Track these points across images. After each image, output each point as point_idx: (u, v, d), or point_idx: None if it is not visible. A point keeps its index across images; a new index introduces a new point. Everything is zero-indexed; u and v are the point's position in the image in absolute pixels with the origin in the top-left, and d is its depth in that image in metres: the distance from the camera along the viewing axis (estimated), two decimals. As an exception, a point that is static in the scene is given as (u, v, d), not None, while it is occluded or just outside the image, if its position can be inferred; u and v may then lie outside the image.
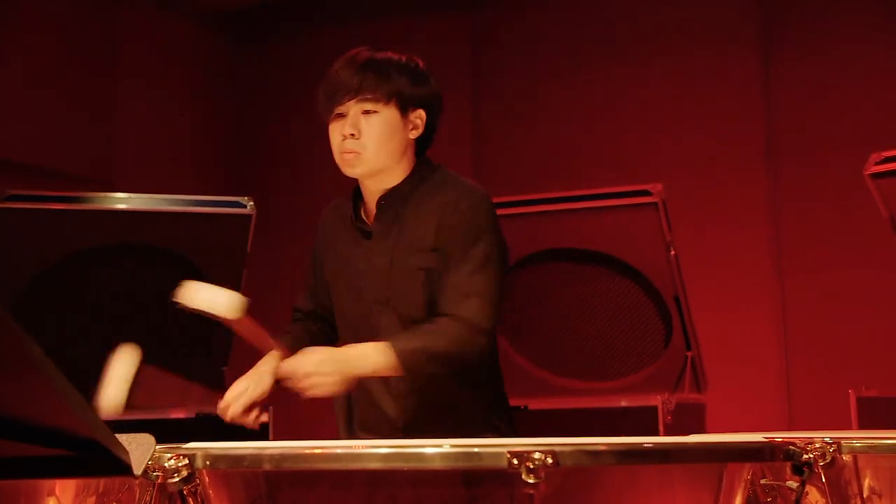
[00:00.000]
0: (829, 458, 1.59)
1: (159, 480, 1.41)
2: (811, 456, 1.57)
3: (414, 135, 2.29)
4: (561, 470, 1.35)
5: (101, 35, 5.23)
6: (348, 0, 5.81)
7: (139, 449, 1.23)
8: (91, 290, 3.55)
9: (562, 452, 1.35)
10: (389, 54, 2.29)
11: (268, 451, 1.43)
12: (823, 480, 1.62)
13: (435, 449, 1.41)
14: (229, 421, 2.22)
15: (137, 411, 2.02)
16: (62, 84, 5.00)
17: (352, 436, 2.33)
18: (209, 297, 2.14)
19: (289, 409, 4.20)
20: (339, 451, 1.42)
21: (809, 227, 4.91)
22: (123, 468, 1.10)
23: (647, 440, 1.48)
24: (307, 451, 1.43)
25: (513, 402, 4.14)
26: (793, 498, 1.60)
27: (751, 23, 5.07)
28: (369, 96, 2.23)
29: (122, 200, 3.56)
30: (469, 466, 1.39)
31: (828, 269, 4.84)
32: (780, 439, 1.57)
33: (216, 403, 2.23)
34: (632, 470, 1.44)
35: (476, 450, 1.40)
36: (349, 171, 2.29)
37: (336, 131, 2.28)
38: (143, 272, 3.60)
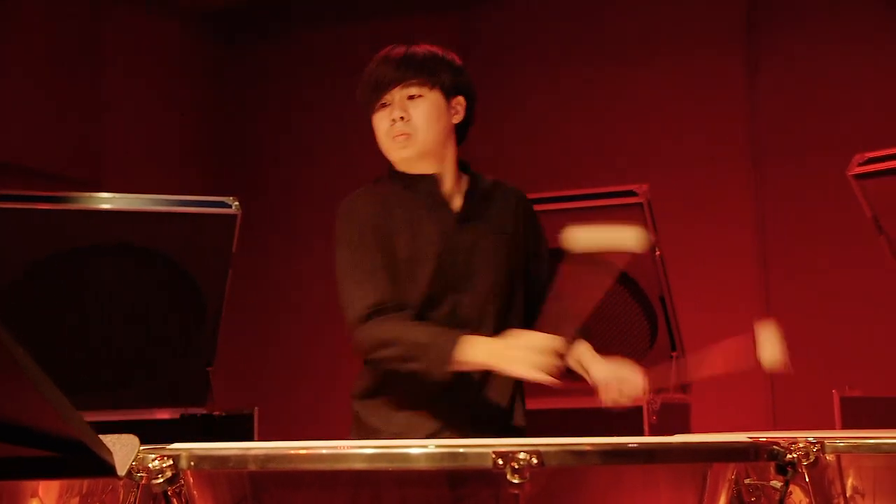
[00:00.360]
0: (812, 458, 1.60)
1: (143, 481, 1.41)
2: (795, 456, 1.57)
3: (456, 120, 2.34)
4: (546, 470, 1.35)
5: (86, 35, 5.21)
6: (334, 0, 5.81)
7: (123, 450, 1.23)
8: (76, 290, 3.53)
9: (547, 452, 1.35)
10: (427, 47, 2.34)
11: (252, 452, 1.42)
12: (807, 480, 1.63)
13: (420, 449, 1.41)
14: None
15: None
16: (48, 84, 4.98)
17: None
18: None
19: (272, 409, 4.20)
20: (324, 451, 1.42)
21: (794, 228, 4.93)
22: (107, 469, 1.09)
23: (632, 440, 1.48)
24: (292, 452, 1.42)
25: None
26: (776, 497, 1.60)
27: (737, 26, 5.09)
28: (414, 81, 2.27)
29: (107, 200, 3.55)
30: (454, 467, 1.39)
31: (812, 270, 4.86)
32: (764, 439, 1.58)
33: None
34: (616, 470, 1.44)
35: (461, 450, 1.40)
36: (400, 154, 2.29)
37: (383, 119, 2.30)
38: (129, 272, 3.59)
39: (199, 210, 3.60)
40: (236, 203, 3.62)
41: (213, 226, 3.61)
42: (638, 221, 3.85)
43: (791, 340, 5.46)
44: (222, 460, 1.43)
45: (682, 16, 5.17)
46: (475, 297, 2.27)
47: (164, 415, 3.61)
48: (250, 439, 3.51)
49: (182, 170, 5.62)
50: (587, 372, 2.39)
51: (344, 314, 2.26)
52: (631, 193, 3.84)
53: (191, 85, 5.76)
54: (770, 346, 2.12)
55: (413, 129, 2.27)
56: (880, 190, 3.51)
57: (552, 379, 2.12)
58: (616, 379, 2.35)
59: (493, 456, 1.34)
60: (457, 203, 2.32)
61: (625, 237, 2.13)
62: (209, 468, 1.44)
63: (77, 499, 1.43)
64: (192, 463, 1.42)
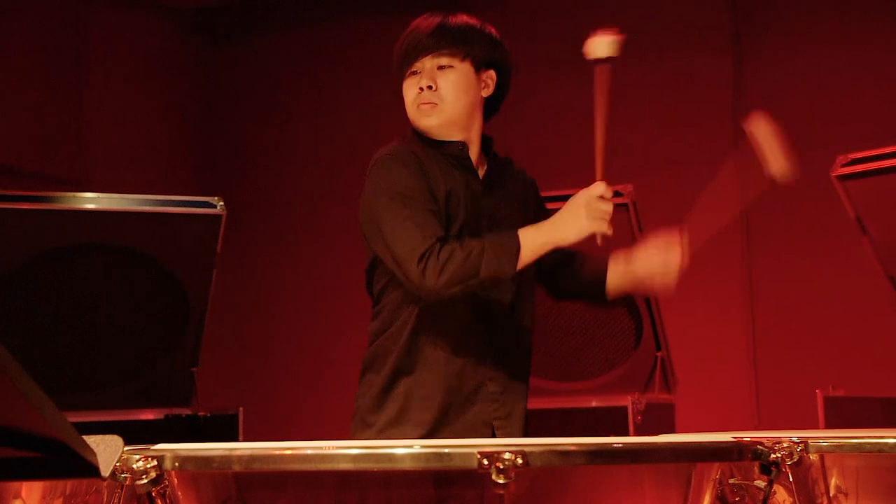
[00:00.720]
0: (796, 458, 1.61)
1: (127, 482, 1.40)
2: (779, 455, 1.58)
3: (485, 93, 2.36)
4: (531, 470, 1.35)
5: (70, 33, 5.19)
6: None
7: (107, 450, 1.22)
8: (60, 291, 3.52)
9: (532, 453, 1.35)
10: (465, 17, 2.36)
11: (237, 452, 1.42)
12: (791, 480, 1.63)
13: (405, 450, 1.41)
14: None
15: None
16: (31, 82, 4.96)
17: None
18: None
19: (257, 410, 4.19)
20: (309, 451, 1.42)
21: (778, 228, 4.95)
22: (91, 470, 1.09)
23: (617, 440, 1.49)
24: (277, 452, 1.42)
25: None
26: (761, 497, 1.61)
27: (722, 26, 5.10)
28: (445, 51, 2.29)
29: (91, 200, 3.54)
30: (439, 467, 1.39)
31: (796, 270, 4.88)
32: (749, 439, 1.59)
33: None
34: (601, 470, 1.45)
35: (446, 450, 1.40)
36: (424, 122, 2.30)
37: (412, 86, 2.31)
38: (113, 273, 3.58)
39: (183, 210, 3.59)
40: (221, 203, 3.61)
41: (198, 226, 3.60)
42: (623, 222, 3.86)
43: (775, 341, 5.50)
44: (207, 461, 1.43)
45: (668, 16, 5.18)
46: None
47: (148, 415, 3.60)
48: (235, 440, 3.50)
49: (167, 169, 5.61)
50: (632, 265, 2.49)
51: (400, 259, 2.17)
52: (616, 194, 3.85)
53: (175, 84, 5.74)
54: (772, 151, 2.18)
55: (440, 99, 2.28)
56: (863, 191, 3.53)
57: (608, 230, 2.28)
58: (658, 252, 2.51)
59: (478, 456, 1.34)
60: (482, 171, 2.37)
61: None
62: (193, 469, 1.44)
63: (60, 500, 1.43)
64: (177, 463, 1.42)
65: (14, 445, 1.03)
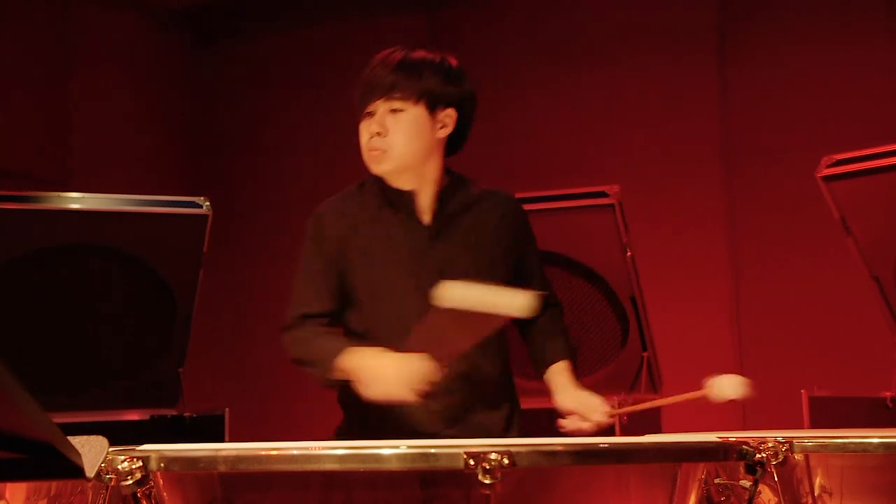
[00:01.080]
0: (781, 458, 1.61)
1: (112, 483, 1.40)
2: (764, 455, 1.59)
3: (442, 134, 2.31)
4: (517, 470, 1.35)
5: (55, 33, 5.17)
6: (303, 1, 5.79)
7: (92, 451, 1.22)
8: (45, 291, 3.50)
9: (518, 453, 1.35)
10: (423, 53, 2.32)
11: (223, 453, 1.42)
12: (776, 479, 1.64)
13: (391, 450, 1.41)
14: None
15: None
16: (15, 81, 4.94)
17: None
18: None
19: (243, 410, 4.18)
20: (295, 452, 1.42)
21: (764, 229, 4.97)
22: (75, 471, 1.08)
23: (603, 440, 1.49)
24: (263, 453, 1.42)
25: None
26: (746, 497, 1.62)
27: (708, 27, 5.12)
28: (398, 95, 2.26)
29: (76, 200, 3.52)
30: (425, 467, 1.39)
31: (781, 270, 4.90)
32: (734, 439, 1.59)
33: None
34: (587, 470, 1.45)
35: (432, 451, 1.40)
36: (375, 169, 2.29)
37: (365, 130, 2.30)
38: (99, 273, 3.56)
39: (169, 210, 3.58)
40: (207, 203, 3.60)
41: (184, 226, 3.59)
42: (609, 222, 3.87)
43: (761, 341, 5.51)
44: (192, 461, 1.43)
45: (654, 16, 5.19)
46: None
47: (134, 416, 3.58)
48: (221, 440, 3.49)
49: (152, 170, 5.59)
50: (554, 396, 2.46)
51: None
52: (602, 195, 3.86)
53: (161, 84, 5.73)
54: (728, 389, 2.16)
55: (388, 146, 2.25)
56: (848, 192, 3.54)
57: (411, 399, 2.12)
58: (581, 406, 2.38)
59: (465, 456, 1.34)
60: (430, 217, 2.31)
61: (509, 301, 1.96)
62: (179, 469, 1.44)
63: (45, 500, 1.42)
64: (162, 464, 1.42)
65: (-2, 446, 1.02)
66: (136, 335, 3.64)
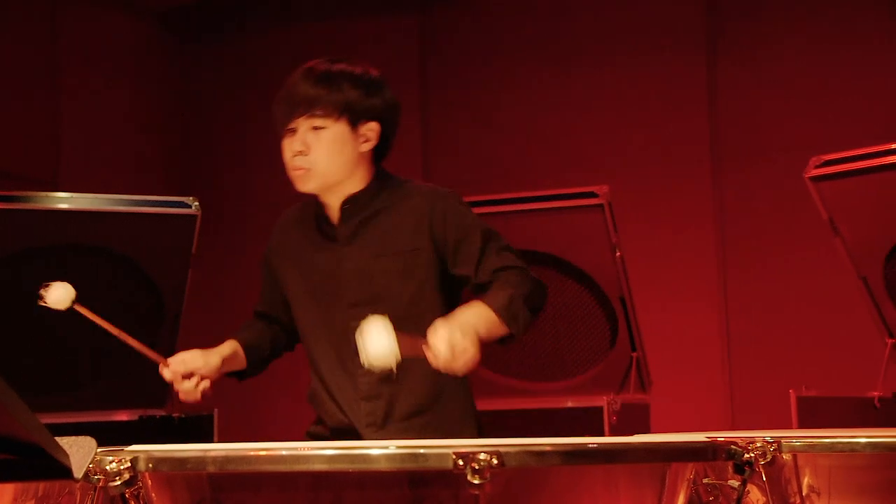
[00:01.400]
0: (769, 457, 1.62)
1: (101, 484, 1.40)
2: (752, 455, 1.59)
3: (366, 147, 2.29)
4: (506, 470, 1.35)
5: (43, 32, 5.16)
6: (292, 0, 5.79)
7: (80, 452, 1.21)
8: (33, 292, 3.49)
9: (507, 453, 1.36)
10: (344, 66, 2.30)
11: (212, 454, 1.42)
12: (764, 479, 1.64)
13: (380, 450, 1.41)
14: (169, 380, 2.32)
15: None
16: (4, 82, 4.92)
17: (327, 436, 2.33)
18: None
19: (232, 411, 4.17)
20: (283, 452, 1.42)
21: (752, 229, 4.98)
22: (63, 471, 1.08)
23: (592, 441, 1.49)
24: (251, 453, 1.42)
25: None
26: (734, 496, 1.62)
27: (697, 27, 5.13)
28: (318, 113, 2.25)
29: (64, 200, 3.51)
30: (415, 468, 1.39)
31: (770, 270, 4.92)
32: (722, 439, 1.59)
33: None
34: (577, 470, 1.45)
35: (422, 451, 1.40)
36: (300, 187, 2.31)
37: (287, 148, 2.29)
38: (87, 273, 3.54)
39: (158, 210, 3.57)
40: (196, 203, 3.60)
41: (173, 226, 3.58)
42: (598, 222, 3.87)
43: (749, 341, 5.53)
44: (181, 462, 1.42)
45: (643, 16, 5.20)
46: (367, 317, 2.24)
47: (122, 416, 3.57)
48: (210, 441, 3.48)
49: (141, 169, 5.58)
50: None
51: None
52: (591, 195, 3.86)
53: (150, 84, 5.71)
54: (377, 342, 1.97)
55: (311, 164, 2.26)
56: (836, 192, 3.55)
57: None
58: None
59: (454, 457, 1.34)
60: (343, 230, 2.31)
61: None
62: (168, 470, 1.43)
63: (33, 502, 1.42)
64: (151, 465, 1.41)
65: (-15, 447, 1.02)
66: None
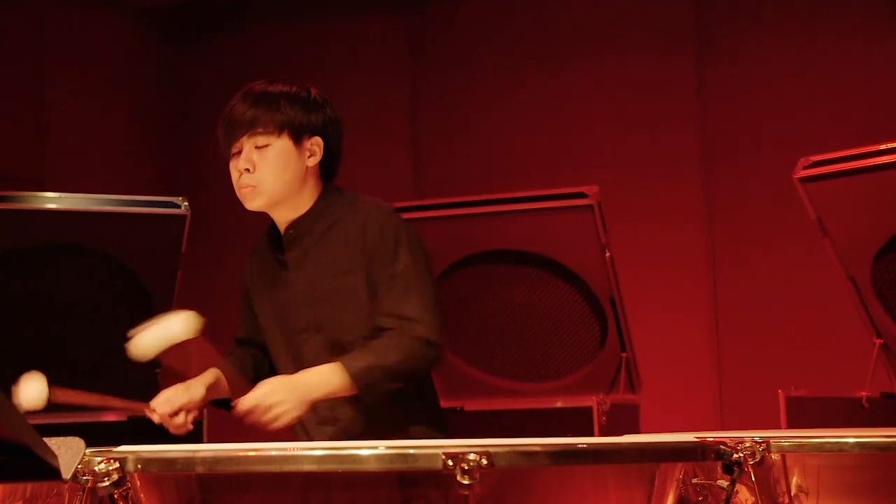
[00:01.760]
0: (758, 457, 1.62)
1: (89, 484, 1.39)
2: (741, 455, 1.59)
3: (312, 162, 2.32)
4: (495, 471, 1.36)
5: (29, 31, 5.14)
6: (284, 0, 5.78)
7: (68, 453, 1.21)
8: (21, 292, 3.48)
9: (496, 453, 1.36)
10: (281, 86, 2.32)
11: (201, 454, 1.41)
12: (753, 479, 1.65)
13: (370, 451, 1.41)
14: (158, 423, 2.28)
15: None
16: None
17: None
18: (161, 331, 2.16)
19: (221, 412, 4.16)
20: (273, 453, 1.41)
21: (741, 230, 4.99)
22: (52, 472, 1.08)
23: (581, 441, 1.49)
24: (241, 454, 1.41)
25: (449, 404, 4.17)
26: (723, 496, 1.62)
27: (686, 29, 5.14)
28: (260, 130, 2.28)
29: (52, 200, 3.50)
30: (404, 468, 1.39)
31: (759, 271, 4.93)
32: (712, 439, 1.60)
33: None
34: (566, 470, 1.45)
35: (411, 451, 1.40)
36: (249, 205, 2.34)
37: (234, 168, 2.33)
38: (76, 273, 3.54)
39: (147, 210, 3.57)
40: (186, 203, 3.59)
41: (162, 226, 3.57)
42: (588, 223, 3.88)
43: (738, 341, 5.54)
44: (170, 462, 1.42)
45: (632, 17, 5.21)
46: (313, 343, 2.29)
47: (111, 417, 3.56)
48: (199, 441, 3.48)
49: (130, 169, 5.56)
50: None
51: None
52: (581, 195, 3.87)
53: (138, 83, 5.70)
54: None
55: (257, 182, 2.28)
56: (824, 193, 3.56)
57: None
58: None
59: (443, 457, 1.34)
60: (291, 257, 2.34)
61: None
62: (156, 471, 1.43)
63: (21, 503, 1.41)
64: (139, 465, 1.41)
65: (-27, 448, 1.02)
66: (113, 336, 3.61)
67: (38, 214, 3.46)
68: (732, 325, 4.98)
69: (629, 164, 5.10)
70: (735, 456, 1.58)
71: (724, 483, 1.61)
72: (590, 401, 3.75)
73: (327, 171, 2.35)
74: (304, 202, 2.33)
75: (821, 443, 1.72)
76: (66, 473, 1.19)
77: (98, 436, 1.47)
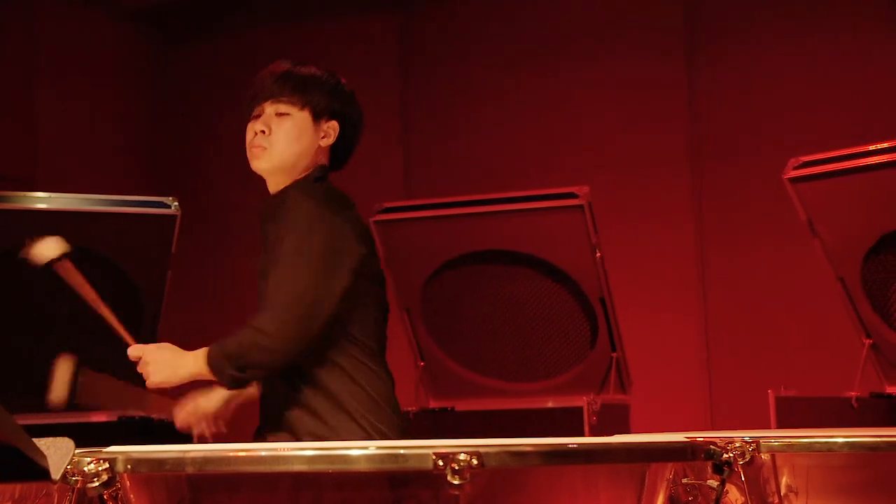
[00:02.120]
0: (748, 457, 1.63)
1: (79, 485, 1.39)
2: (731, 455, 1.60)
3: (324, 143, 2.39)
4: (486, 471, 1.36)
5: (20, 31, 5.12)
6: (273, 0, 5.77)
7: (57, 453, 1.21)
8: (11, 292, 3.47)
9: (487, 454, 1.36)
10: (313, 68, 2.42)
11: (190, 454, 1.41)
12: (743, 479, 1.65)
13: (360, 451, 1.41)
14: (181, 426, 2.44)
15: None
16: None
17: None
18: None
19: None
20: (263, 453, 1.41)
21: (731, 230, 5.00)
22: (41, 473, 1.08)
23: (572, 441, 1.49)
24: (230, 454, 1.41)
25: (440, 404, 4.18)
26: (713, 496, 1.63)
27: (676, 29, 5.15)
28: (284, 99, 2.36)
29: (43, 200, 3.49)
30: (394, 468, 1.39)
31: (749, 271, 4.94)
32: (702, 439, 1.60)
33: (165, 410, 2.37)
34: (556, 470, 1.45)
35: (401, 451, 1.40)
36: (255, 164, 2.39)
37: (250, 129, 2.40)
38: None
39: (137, 210, 3.56)
40: (176, 203, 3.59)
41: (152, 226, 3.57)
42: (578, 223, 3.88)
43: (728, 341, 5.55)
44: (159, 463, 1.42)
45: (622, 18, 5.22)
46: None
47: (101, 417, 3.56)
48: (189, 442, 3.47)
49: (120, 169, 5.55)
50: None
51: None
52: (571, 196, 3.87)
53: (128, 83, 5.69)
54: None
55: (270, 144, 2.35)
56: (814, 193, 3.57)
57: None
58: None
59: (434, 457, 1.34)
60: (263, 225, 2.40)
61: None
62: (146, 471, 1.43)
63: (10, 503, 1.41)
64: (129, 466, 1.41)
65: (-38, 448, 1.01)
66: (102, 336, 3.60)
67: (28, 214, 3.46)
68: (722, 325, 4.99)
69: (620, 165, 5.11)
70: (725, 456, 1.59)
71: (713, 483, 1.61)
72: (580, 401, 3.75)
73: (337, 157, 2.42)
74: (297, 177, 2.38)
75: (810, 443, 1.72)
76: (56, 474, 1.18)
77: (87, 436, 1.46)
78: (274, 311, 2.25)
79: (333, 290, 2.24)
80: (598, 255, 3.89)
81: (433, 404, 4.15)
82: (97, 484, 1.39)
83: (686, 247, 5.06)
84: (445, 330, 4.16)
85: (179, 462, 1.41)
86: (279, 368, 2.26)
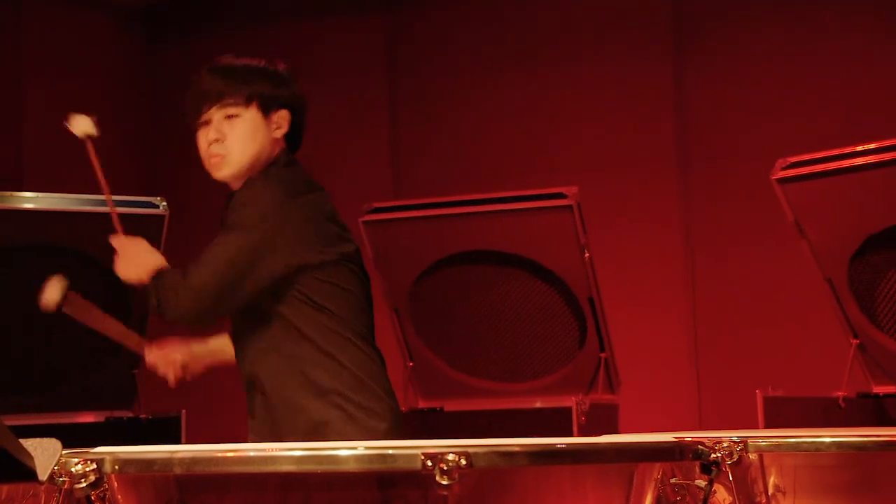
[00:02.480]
0: (736, 457, 1.63)
1: (66, 486, 1.38)
2: (719, 455, 1.60)
3: (279, 134, 2.37)
4: (475, 471, 1.36)
5: (7, 30, 5.10)
6: (262, -1, 5.77)
7: (44, 454, 1.20)
8: (1, 292, 3.46)
9: (475, 454, 1.36)
10: (248, 60, 2.39)
11: (178, 455, 1.41)
12: (731, 479, 1.66)
13: (349, 451, 1.40)
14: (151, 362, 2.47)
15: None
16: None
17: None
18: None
19: (199, 412, 4.15)
20: (251, 453, 1.41)
21: (719, 231, 5.02)
22: (28, 474, 1.07)
23: (560, 441, 1.50)
24: (219, 454, 1.41)
25: (429, 404, 4.17)
26: (701, 496, 1.63)
27: (664, 31, 5.16)
28: (230, 101, 2.33)
29: (30, 200, 3.48)
30: (383, 468, 1.39)
31: (736, 272, 4.95)
32: (690, 439, 1.60)
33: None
34: (545, 471, 1.45)
35: (390, 451, 1.40)
36: (217, 175, 2.39)
37: (202, 138, 2.38)
38: (53, 273, 3.51)
39: (125, 210, 3.55)
40: (164, 203, 3.58)
41: (140, 226, 3.54)
42: (567, 223, 3.89)
43: (716, 342, 5.56)
44: (147, 463, 1.41)
45: (610, 20, 5.23)
46: None
47: (89, 418, 3.55)
48: (178, 442, 3.46)
49: (108, 169, 5.53)
50: None
51: None
52: (560, 196, 3.88)
53: (116, 83, 5.67)
54: None
55: (227, 151, 2.34)
56: (802, 194, 3.59)
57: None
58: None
59: (422, 457, 1.34)
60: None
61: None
62: (134, 472, 1.42)
63: (-3, 504, 1.40)
64: (117, 466, 1.40)
65: (-52, 449, 1.01)
66: (91, 337, 3.59)
67: (15, 214, 3.44)
68: (710, 326, 5.00)
69: (608, 165, 5.12)
70: (713, 456, 1.59)
71: (701, 483, 1.61)
72: (569, 401, 3.76)
73: (291, 143, 2.41)
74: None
75: (797, 442, 1.73)
76: (43, 475, 1.18)
77: (75, 437, 1.46)
78: (199, 277, 2.35)
79: (243, 289, 2.33)
80: (587, 255, 3.90)
81: (422, 404, 4.16)
82: (85, 485, 1.38)
83: (674, 247, 5.07)
84: (434, 330, 4.16)
85: (167, 463, 1.41)
86: (186, 323, 2.37)
